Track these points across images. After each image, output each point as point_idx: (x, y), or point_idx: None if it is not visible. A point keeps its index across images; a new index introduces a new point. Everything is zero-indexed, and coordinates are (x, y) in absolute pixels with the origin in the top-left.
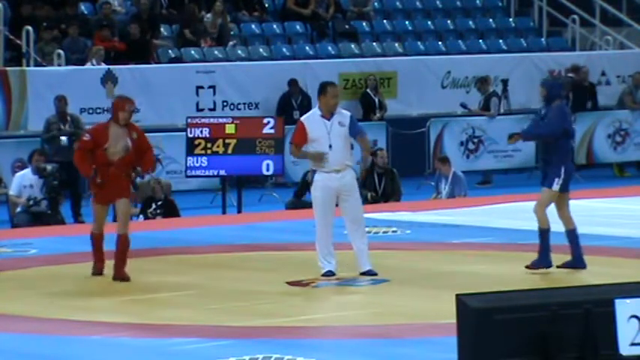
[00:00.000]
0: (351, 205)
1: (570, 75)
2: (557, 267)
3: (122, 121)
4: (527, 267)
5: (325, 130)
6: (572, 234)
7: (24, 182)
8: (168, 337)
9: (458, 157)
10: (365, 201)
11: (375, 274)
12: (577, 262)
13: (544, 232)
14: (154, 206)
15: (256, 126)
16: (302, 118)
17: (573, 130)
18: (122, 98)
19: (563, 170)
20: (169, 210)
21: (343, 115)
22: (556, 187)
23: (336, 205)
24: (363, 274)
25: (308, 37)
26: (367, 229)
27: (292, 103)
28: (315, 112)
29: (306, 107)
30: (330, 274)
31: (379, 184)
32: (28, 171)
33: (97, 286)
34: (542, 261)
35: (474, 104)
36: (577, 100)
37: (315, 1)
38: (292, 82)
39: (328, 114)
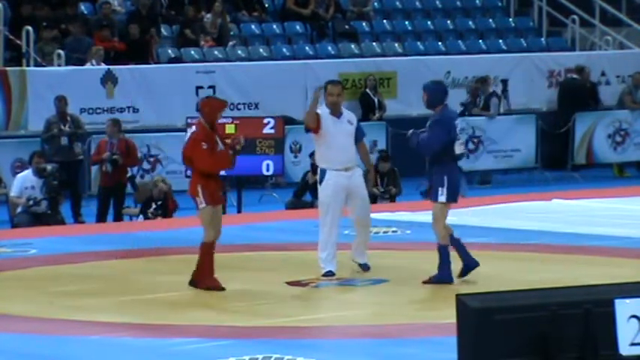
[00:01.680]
0: (360, 206)
1: (575, 76)
2: (458, 277)
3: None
4: (424, 282)
5: (335, 128)
6: (452, 240)
7: (25, 184)
8: (168, 337)
9: None
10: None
11: (368, 269)
12: (470, 264)
13: (443, 248)
14: (154, 206)
15: (256, 126)
16: (318, 110)
17: (455, 137)
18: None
19: (446, 180)
20: (169, 210)
21: (350, 114)
22: (442, 198)
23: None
24: (360, 266)
25: (308, 37)
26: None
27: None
28: (324, 109)
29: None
30: (330, 274)
31: (381, 184)
32: (28, 172)
33: (97, 286)
34: (442, 276)
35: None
36: (578, 101)
37: (315, 1)
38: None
39: (336, 112)
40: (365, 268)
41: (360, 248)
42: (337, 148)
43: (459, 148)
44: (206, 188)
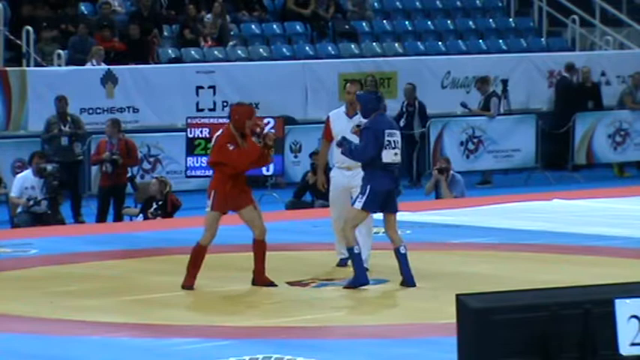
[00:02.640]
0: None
1: (565, 74)
2: (401, 285)
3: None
4: (345, 287)
5: (346, 128)
6: (397, 253)
7: (25, 184)
8: (168, 337)
9: (458, 157)
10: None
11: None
12: (406, 280)
13: (350, 250)
14: (154, 206)
15: None
16: (330, 113)
17: (383, 145)
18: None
19: (368, 189)
20: (169, 210)
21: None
22: (358, 204)
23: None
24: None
25: (308, 37)
26: None
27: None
28: (341, 108)
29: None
30: (344, 263)
31: None
32: (28, 172)
33: (97, 286)
34: (358, 279)
35: (473, 104)
36: (576, 101)
37: (315, 1)
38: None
39: (351, 111)
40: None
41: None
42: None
43: (387, 157)
44: (220, 194)
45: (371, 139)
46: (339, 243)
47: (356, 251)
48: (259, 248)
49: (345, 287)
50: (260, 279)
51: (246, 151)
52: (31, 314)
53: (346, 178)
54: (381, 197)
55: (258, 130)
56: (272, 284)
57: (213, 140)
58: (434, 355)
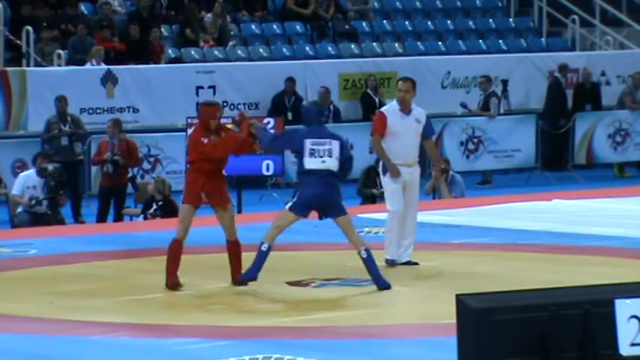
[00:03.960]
0: (413, 199)
1: (556, 75)
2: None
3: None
4: (240, 278)
5: (403, 124)
6: (364, 261)
7: (27, 183)
8: (168, 337)
9: (458, 157)
10: (369, 198)
11: (416, 264)
12: (377, 283)
13: (260, 245)
14: (154, 206)
15: None
16: (382, 109)
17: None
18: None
19: (297, 193)
20: (170, 210)
21: (420, 112)
22: (289, 204)
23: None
24: (404, 264)
25: (308, 37)
26: (367, 229)
27: (285, 103)
28: (393, 104)
29: (297, 109)
30: (391, 262)
31: (381, 184)
32: (32, 172)
33: (97, 286)
34: (249, 273)
35: (473, 104)
36: (574, 101)
37: (315, 1)
38: (289, 81)
39: (404, 108)
40: (411, 264)
41: (406, 247)
42: (400, 144)
43: (310, 164)
44: (192, 187)
45: (284, 138)
46: (390, 244)
47: (263, 249)
48: (232, 248)
49: (237, 282)
50: (237, 283)
51: (222, 142)
52: (31, 314)
53: (408, 174)
54: (311, 202)
55: (237, 118)
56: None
57: (187, 139)
58: (434, 355)
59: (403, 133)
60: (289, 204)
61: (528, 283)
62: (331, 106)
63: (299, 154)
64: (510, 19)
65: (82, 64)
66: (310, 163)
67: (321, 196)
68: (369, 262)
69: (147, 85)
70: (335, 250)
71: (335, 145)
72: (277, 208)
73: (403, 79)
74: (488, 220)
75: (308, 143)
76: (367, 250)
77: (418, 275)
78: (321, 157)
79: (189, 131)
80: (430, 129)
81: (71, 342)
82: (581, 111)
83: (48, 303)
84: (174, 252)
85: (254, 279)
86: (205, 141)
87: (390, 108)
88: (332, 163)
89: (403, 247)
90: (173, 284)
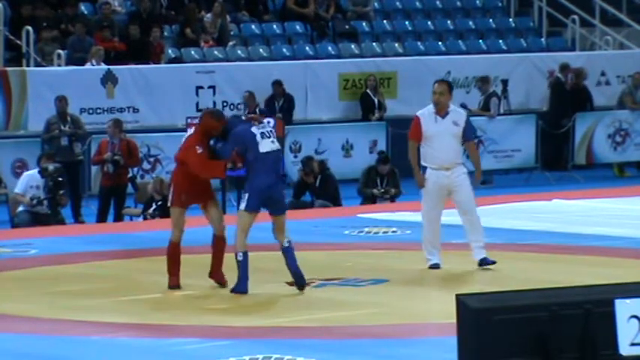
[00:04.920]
0: (462, 198)
1: (558, 75)
2: (287, 283)
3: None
4: (232, 291)
5: (438, 128)
6: (285, 251)
7: (31, 182)
8: (168, 337)
9: None
10: (370, 198)
11: (493, 262)
12: (295, 278)
13: (235, 255)
14: (153, 206)
15: None
16: (418, 113)
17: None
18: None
19: (248, 189)
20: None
21: (459, 114)
22: (241, 205)
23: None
24: (480, 264)
25: (308, 37)
26: (367, 229)
27: (275, 106)
28: (429, 107)
29: (286, 110)
30: (435, 266)
31: (381, 184)
32: (35, 171)
33: (97, 286)
34: (240, 287)
35: (473, 104)
36: (571, 102)
37: (315, 1)
38: (276, 84)
39: (440, 111)
40: (487, 263)
41: (475, 246)
42: (436, 148)
43: (264, 146)
44: (178, 190)
45: (232, 138)
46: (429, 246)
47: (240, 258)
48: (218, 244)
49: (232, 291)
50: (215, 274)
51: (211, 165)
52: (31, 314)
53: (446, 178)
54: (263, 195)
55: (238, 165)
56: (222, 283)
57: (184, 138)
58: (434, 355)
59: (439, 137)
60: (242, 203)
61: (528, 283)
62: (257, 109)
63: (248, 148)
64: (510, 19)
65: (82, 63)
66: (265, 146)
67: (271, 190)
68: (288, 254)
69: (147, 85)
70: (335, 250)
71: (271, 125)
72: None
73: (439, 82)
74: (488, 220)
75: (255, 129)
76: (290, 242)
77: (418, 275)
78: (269, 137)
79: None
80: (470, 131)
81: (71, 342)
82: (576, 111)
83: (48, 303)
84: (173, 255)
85: (245, 292)
86: (199, 151)
87: (426, 111)
88: (277, 143)
89: (474, 247)
90: (175, 285)
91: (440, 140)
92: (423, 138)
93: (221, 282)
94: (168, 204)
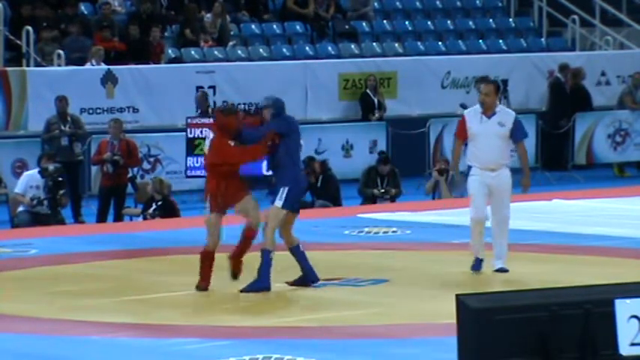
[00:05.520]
0: (500, 206)
1: (557, 75)
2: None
3: None
4: (241, 291)
5: (482, 128)
6: (295, 250)
7: (31, 182)
8: (168, 337)
9: None
10: (370, 198)
11: (506, 271)
12: (308, 276)
13: (265, 252)
14: (153, 206)
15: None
16: (464, 112)
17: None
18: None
19: (287, 182)
20: (169, 210)
21: (506, 115)
22: (279, 202)
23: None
24: (496, 271)
25: (308, 37)
26: (367, 229)
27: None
28: (476, 107)
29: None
30: (478, 267)
31: (381, 184)
32: (35, 171)
33: (97, 286)
34: (260, 282)
35: (473, 104)
36: (570, 102)
37: (315, 1)
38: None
39: (486, 111)
40: (502, 271)
41: (498, 255)
42: (480, 148)
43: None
44: (216, 195)
45: (279, 120)
46: (477, 252)
47: (271, 255)
48: (249, 233)
49: (241, 291)
50: (234, 261)
51: (250, 147)
52: (31, 314)
53: (491, 178)
54: (302, 192)
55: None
56: (236, 272)
57: (208, 143)
58: (434, 355)
59: (483, 137)
60: (280, 201)
61: (528, 283)
62: (209, 110)
63: (290, 136)
64: (510, 19)
65: (82, 63)
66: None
67: (304, 190)
68: (301, 257)
69: (147, 85)
70: (335, 250)
71: None
72: None
73: (486, 82)
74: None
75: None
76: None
77: (418, 275)
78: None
79: (191, 131)
80: (518, 132)
81: (71, 342)
82: (580, 111)
83: (48, 303)
84: (207, 260)
85: (269, 289)
86: (232, 144)
87: (472, 111)
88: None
89: (495, 253)
90: (204, 287)
91: (484, 140)
92: (469, 137)
93: (236, 270)
94: (206, 211)
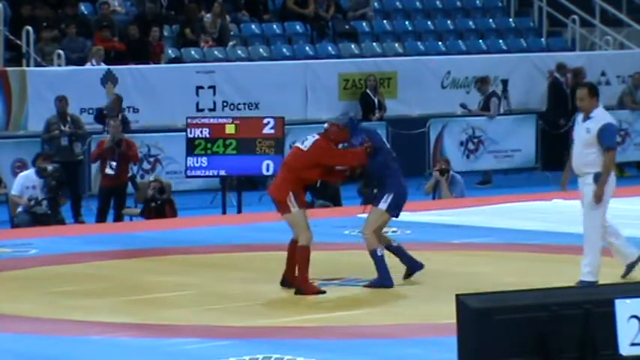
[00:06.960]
0: (582, 214)
1: (556, 75)
2: (405, 278)
3: None
4: (365, 286)
5: (575, 132)
6: (390, 248)
7: (27, 183)
8: (168, 337)
9: (458, 158)
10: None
11: (584, 282)
12: (414, 267)
13: (374, 253)
14: (153, 206)
15: (256, 126)
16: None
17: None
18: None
19: (393, 189)
20: (169, 210)
21: (596, 121)
22: (384, 205)
23: None
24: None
25: (308, 37)
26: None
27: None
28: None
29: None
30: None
31: None
32: (31, 172)
33: (97, 286)
34: (383, 280)
35: (473, 104)
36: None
37: (315, 1)
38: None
39: (585, 116)
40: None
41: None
42: (573, 152)
43: None
44: (298, 191)
45: (362, 130)
46: (617, 255)
47: (379, 254)
48: (295, 251)
49: (366, 286)
50: (290, 275)
51: (352, 151)
52: (31, 314)
53: (581, 184)
54: (405, 199)
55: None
56: (292, 283)
57: (311, 146)
58: (434, 355)
59: (575, 141)
60: (384, 204)
61: (528, 283)
62: (121, 115)
63: (376, 147)
64: (510, 19)
65: (80, 63)
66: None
67: (406, 198)
68: (398, 251)
69: (147, 85)
70: (335, 250)
71: None
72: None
73: (580, 87)
74: (488, 220)
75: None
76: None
77: (418, 275)
78: None
79: (191, 131)
80: (603, 139)
81: (71, 342)
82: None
83: (48, 303)
84: (306, 258)
85: (392, 285)
86: (340, 146)
87: (578, 115)
88: None
89: (583, 268)
90: (316, 290)
91: (575, 145)
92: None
93: (293, 283)
94: (294, 209)
